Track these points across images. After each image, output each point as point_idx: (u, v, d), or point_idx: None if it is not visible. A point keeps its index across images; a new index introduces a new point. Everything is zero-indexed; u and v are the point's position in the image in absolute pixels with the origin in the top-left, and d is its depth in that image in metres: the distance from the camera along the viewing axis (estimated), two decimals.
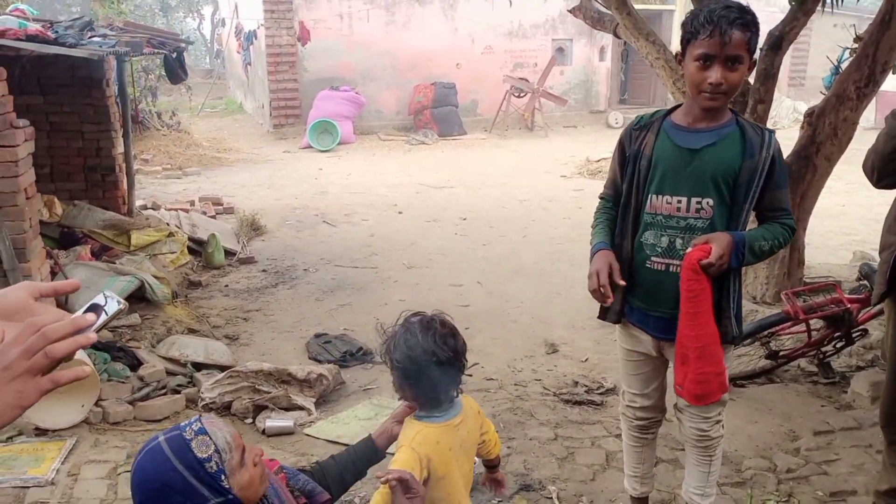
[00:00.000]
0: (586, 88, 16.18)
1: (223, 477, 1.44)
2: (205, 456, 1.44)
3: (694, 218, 2.27)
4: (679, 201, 2.28)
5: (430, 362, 1.77)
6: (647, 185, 2.34)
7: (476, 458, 2.02)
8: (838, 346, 4.12)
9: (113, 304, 1.13)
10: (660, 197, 2.31)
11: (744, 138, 2.25)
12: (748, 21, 2.12)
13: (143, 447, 1.49)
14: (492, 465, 2.13)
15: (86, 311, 1.17)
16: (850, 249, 6.75)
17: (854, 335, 4.08)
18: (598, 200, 2.54)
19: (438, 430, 1.83)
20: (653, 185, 2.33)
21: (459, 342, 1.85)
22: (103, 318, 1.11)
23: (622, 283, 2.30)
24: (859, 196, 8.94)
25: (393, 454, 2.08)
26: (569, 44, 15.73)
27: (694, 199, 2.27)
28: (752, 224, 2.35)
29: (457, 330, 1.87)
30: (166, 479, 1.41)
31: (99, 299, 1.18)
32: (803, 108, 15.20)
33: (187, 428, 1.48)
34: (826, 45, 14.79)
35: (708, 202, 2.26)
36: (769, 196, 2.28)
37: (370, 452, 2.03)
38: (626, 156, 2.39)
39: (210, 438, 1.46)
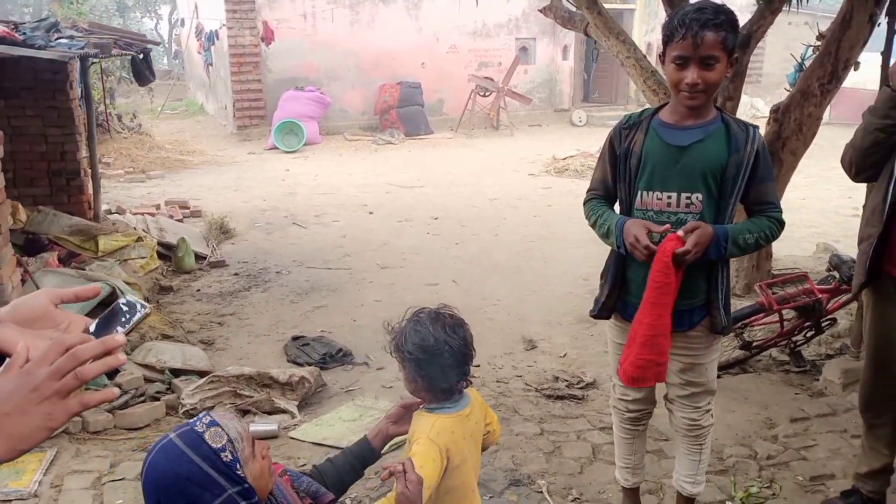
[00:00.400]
0: (550, 87, 16.32)
1: (238, 465, 1.45)
2: (219, 446, 1.45)
3: (684, 213, 2.32)
4: (669, 197, 2.33)
5: (442, 351, 1.81)
6: (636, 182, 2.39)
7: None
8: (808, 335, 4.25)
9: (139, 310, 1.12)
10: (650, 193, 2.36)
11: (729, 134, 2.31)
12: (721, 22, 2.17)
13: (154, 446, 1.49)
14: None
15: (104, 318, 1.15)
16: (813, 241, 6.96)
17: (823, 324, 4.21)
18: (588, 200, 2.56)
19: (452, 420, 1.86)
20: (642, 181, 2.38)
21: (467, 332, 1.90)
22: (131, 324, 1.10)
23: (665, 227, 2.27)
24: (818, 189, 9.20)
25: (385, 454, 2.10)
26: (532, 43, 15.86)
27: (684, 195, 2.32)
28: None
29: (463, 320, 1.91)
30: (183, 472, 1.41)
31: (117, 306, 1.16)
32: (760, 104, 15.61)
33: (198, 422, 1.49)
34: (781, 42, 15.17)
35: (697, 197, 2.31)
36: (755, 190, 2.34)
37: (367, 453, 2.05)
38: (617, 154, 2.43)
39: (222, 429, 1.48)
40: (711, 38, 2.16)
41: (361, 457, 2.04)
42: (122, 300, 1.15)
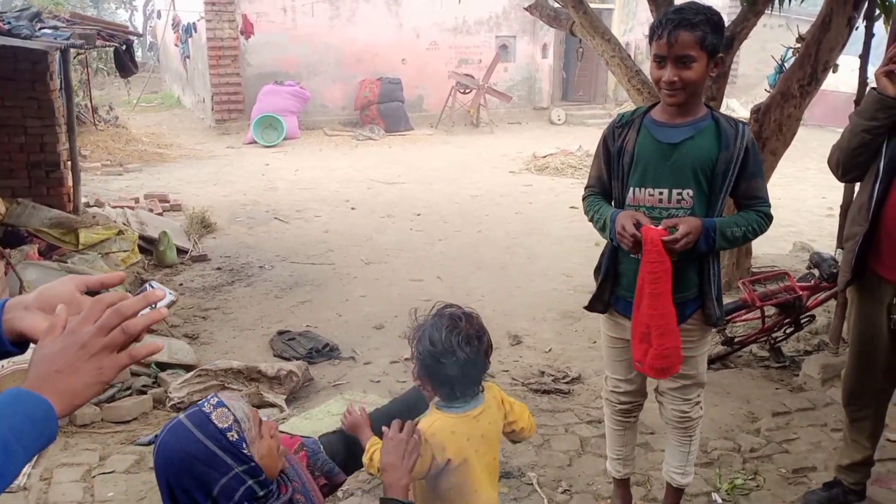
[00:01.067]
0: (529, 85, 16.39)
1: (244, 445, 1.47)
2: (225, 426, 1.47)
3: (675, 208, 2.38)
4: (661, 193, 2.38)
5: (450, 361, 1.79)
6: (629, 179, 2.44)
7: None
8: (788, 331, 4.34)
9: (166, 297, 1.14)
10: (642, 190, 2.41)
11: (719, 131, 2.37)
12: (698, 21, 2.23)
13: (164, 428, 1.52)
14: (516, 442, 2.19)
15: None
16: (790, 240, 7.10)
17: (803, 321, 4.31)
18: (587, 196, 2.60)
19: (455, 420, 1.86)
20: (634, 178, 2.43)
21: (484, 343, 1.87)
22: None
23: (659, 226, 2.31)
24: (794, 189, 9.38)
25: None
26: (512, 41, 15.91)
27: (675, 191, 2.37)
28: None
29: (485, 330, 1.89)
30: (190, 450, 1.44)
31: (144, 291, 1.17)
32: (735, 105, 15.83)
33: (206, 403, 1.52)
34: (756, 44, 15.40)
35: (688, 193, 2.36)
36: (744, 185, 2.40)
37: (421, 402, 2.04)
38: (611, 152, 2.48)
39: (229, 410, 1.50)
40: (686, 38, 2.22)
41: (416, 406, 2.03)
42: (147, 285, 1.17)
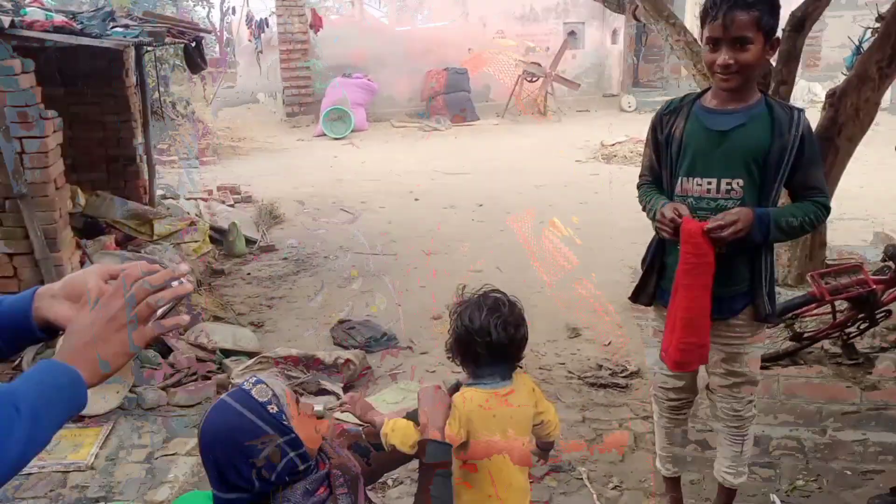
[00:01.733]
0: (599, 72, 16.09)
1: (284, 417, 1.53)
2: (265, 399, 1.54)
3: (724, 199, 2.29)
4: (710, 183, 2.30)
5: (483, 341, 1.83)
6: (677, 168, 2.36)
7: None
8: (862, 327, 4.13)
9: (186, 285, 1.17)
10: (690, 179, 2.33)
11: (772, 118, 2.27)
12: (752, 2, 2.13)
13: (208, 409, 1.59)
14: (544, 449, 2.17)
15: None
16: (870, 231, 6.74)
17: (878, 316, 4.09)
18: (640, 185, 2.54)
19: (484, 394, 1.88)
20: (683, 167, 2.35)
21: (520, 333, 1.89)
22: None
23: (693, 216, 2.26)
24: (876, 177, 8.89)
25: None
26: (581, 27, 15.64)
27: (724, 181, 2.28)
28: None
29: (524, 320, 1.91)
30: (234, 423, 1.50)
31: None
32: (818, 88, 15.11)
33: (245, 383, 1.60)
34: (837, 25, 14.65)
35: (738, 183, 2.27)
36: (801, 174, 2.29)
37: None
38: (659, 141, 2.41)
39: (268, 386, 1.57)
40: (742, 19, 2.13)
41: None
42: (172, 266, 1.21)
